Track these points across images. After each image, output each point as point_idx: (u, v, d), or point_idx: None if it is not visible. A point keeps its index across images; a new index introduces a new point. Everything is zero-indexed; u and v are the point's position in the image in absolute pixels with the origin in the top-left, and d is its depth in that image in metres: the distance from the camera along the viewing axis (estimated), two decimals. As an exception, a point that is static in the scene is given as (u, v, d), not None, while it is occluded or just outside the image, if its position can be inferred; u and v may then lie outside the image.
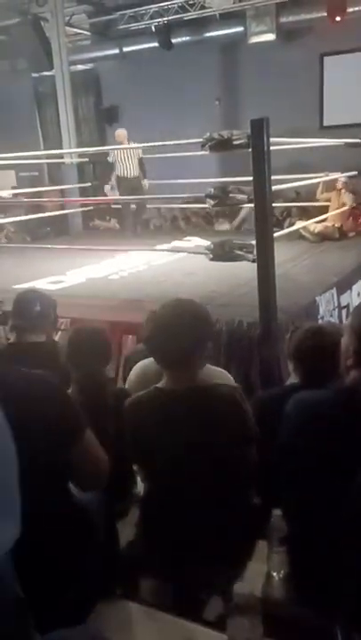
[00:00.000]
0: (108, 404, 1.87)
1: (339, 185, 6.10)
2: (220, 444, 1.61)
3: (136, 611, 1.26)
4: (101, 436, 1.40)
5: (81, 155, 7.93)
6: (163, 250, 5.53)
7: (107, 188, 7.18)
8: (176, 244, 6.13)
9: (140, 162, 7.11)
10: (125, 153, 6.94)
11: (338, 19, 7.67)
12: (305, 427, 1.51)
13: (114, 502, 1.53)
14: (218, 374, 1.98)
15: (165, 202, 8.72)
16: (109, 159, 7.14)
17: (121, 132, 7.25)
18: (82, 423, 1.33)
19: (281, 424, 1.60)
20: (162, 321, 1.63)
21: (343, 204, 6.02)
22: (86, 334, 2.02)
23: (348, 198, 6.01)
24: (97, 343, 1.96)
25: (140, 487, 1.83)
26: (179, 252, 5.43)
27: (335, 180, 6.02)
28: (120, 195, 6.99)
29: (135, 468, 1.84)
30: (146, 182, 7.17)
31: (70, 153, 7.99)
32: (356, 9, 7.74)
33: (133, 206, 7.37)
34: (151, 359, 2.02)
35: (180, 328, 1.59)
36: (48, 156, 9.21)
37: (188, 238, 6.53)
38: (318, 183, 6.14)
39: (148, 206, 8.52)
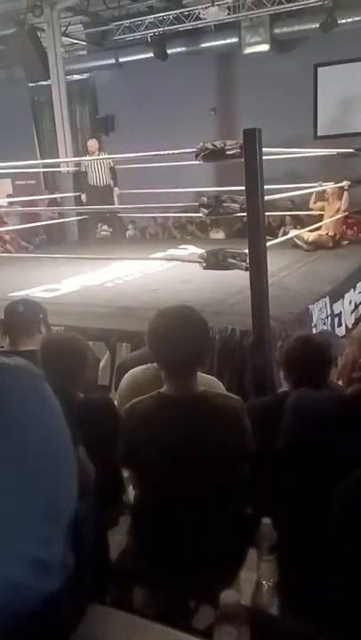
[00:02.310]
0: (97, 411, 1.86)
1: (329, 193, 6.12)
2: (217, 456, 1.62)
3: (125, 619, 1.25)
4: (90, 444, 1.40)
5: (77, 163, 7.98)
6: (158, 258, 5.54)
7: (83, 196, 7.27)
8: (171, 252, 6.15)
9: (112, 171, 7.22)
10: (96, 163, 7.07)
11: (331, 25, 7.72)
12: (302, 433, 1.51)
13: (103, 510, 1.53)
14: (208, 382, 1.99)
15: (160, 210, 8.78)
16: (82, 169, 7.26)
17: (93, 143, 7.44)
18: (75, 439, 1.32)
19: (282, 426, 1.60)
20: (167, 329, 1.64)
21: (338, 210, 6.04)
22: (57, 343, 1.95)
23: (345, 200, 6.03)
24: (67, 352, 1.89)
25: (131, 495, 1.83)
26: (173, 260, 5.45)
27: (326, 190, 6.06)
28: (89, 203, 7.08)
29: (126, 475, 1.84)
30: (117, 190, 7.30)
31: (67, 162, 8.03)
32: (349, 20, 7.85)
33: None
34: (143, 367, 2.02)
35: (188, 335, 1.62)
36: (44, 165, 9.26)
37: (183, 246, 6.56)
38: (312, 192, 6.18)
39: (145, 215, 8.58)
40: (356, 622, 1.08)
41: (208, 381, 1.98)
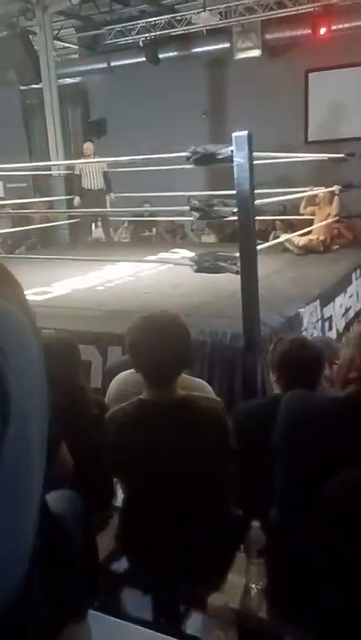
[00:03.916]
0: (88, 412, 1.86)
1: (320, 198, 6.15)
2: (201, 459, 1.62)
3: (114, 624, 1.25)
4: (79, 445, 1.39)
5: (68, 167, 7.98)
6: (149, 261, 5.55)
7: (76, 199, 7.26)
8: (163, 255, 6.16)
9: (105, 175, 7.23)
10: (91, 166, 7.08)
11: (321, 33, 7.81)
12: (301, 435, 1.50)
13: (92, 514, 1.53)
14: (197, 385, 1.99)
15: (151, 214, 8.79)
16: (76, 172, 7.26)
17: (89, 145, 7.47)
18: (57, 437, 1.32)
19: (278, 422, 1.59)
20: (149, 337, 1.62)
21: (329, 214, 6.08)
22: (52, 343, 1.96)
23: (335, 205, 6.07)
24: (65, 351, 1.89)
25: (120, 498, 1.82)
26: (165, 263, 5.46)
27: (317, 195, 6.09)
28: (82, 206, 7.08)
29: (115, 479, 1.83)
30: (112, 195, 7.31)
31: (58, 165, 8.02)
32: (340, 26, 7.91)
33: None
34: (130, 371, 2.02)
35: (168, 344, 1.60)
36: (36, 168, 9.24)
37: (174, 250, 6.57)
38: (303, 197, 6.21)
39: (136, 219, 8.59)
40: (343, 625, 1.08)
41: (197, 385, 1.97)
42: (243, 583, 1.40)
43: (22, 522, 0.69)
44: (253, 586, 1.37)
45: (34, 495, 0.68)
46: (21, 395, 0.61)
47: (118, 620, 1.28)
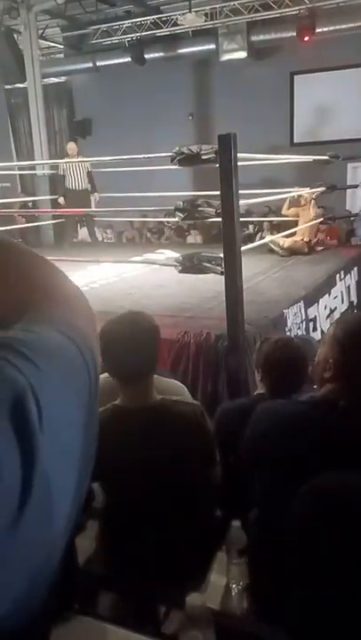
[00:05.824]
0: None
1: (304, 199, 6.18)
2: (180, 463, 1.60)
3: (94, 626, 1.24)
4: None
5: (53, 166, 7.94)
6: (133, 261, 5.53)
7: (61, 199, 7.24)
8: (148, 256, 6.14)
9: (90, 175, 7.22)
10: (74, 166, 7.07)
11: (306, 39, 7.89)
12: (276, 439, 1.50)
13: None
14: (170, 386, 1.96)
15: (137, 215, 8.78)
16: (60, 172, 7.25)
17: (72, 146, 7.49)
18: None
19: (248, 431, 1.60)
20: (118, 335, 1.61)
21: (311, 218, 6.11)
22: None
23: (313, 211, 6.11)
24: None
25: (100, 501, 1.81)
26: (149, 263, 5.44)
27: (301, 196, 6.12)
28: (67, 206, 7.06)
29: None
30: (96, 196, 7.30)
31: (42, 164, 7.98)
32: (325, 29, 7.98)
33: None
34: (103, 376, 1.99)
35: (136, 342, 1.58)
36: (19, 168, 9.17)
37: (160, 251, 6.56)
38: (286, 199, 6.23)
39: (122, 219, 8.56)
40: (322, 625, 1.09)
41: (171, 387, 1.95)
42: (223, 583, 1.39)
43: (39, 585, 0.59)
44: (234, 586, 1.37)
45: (53, 560, 0.56)
46: (52, 461, 0.46)
47: (98, 621, 1.27)
